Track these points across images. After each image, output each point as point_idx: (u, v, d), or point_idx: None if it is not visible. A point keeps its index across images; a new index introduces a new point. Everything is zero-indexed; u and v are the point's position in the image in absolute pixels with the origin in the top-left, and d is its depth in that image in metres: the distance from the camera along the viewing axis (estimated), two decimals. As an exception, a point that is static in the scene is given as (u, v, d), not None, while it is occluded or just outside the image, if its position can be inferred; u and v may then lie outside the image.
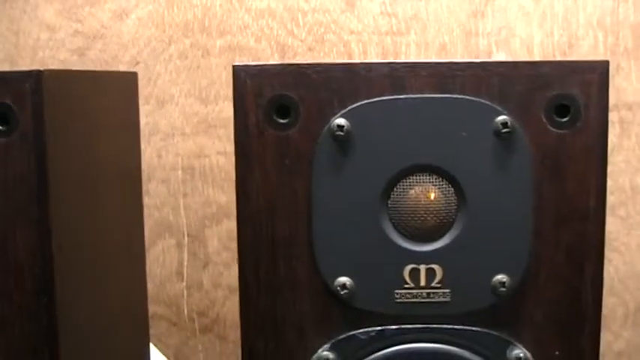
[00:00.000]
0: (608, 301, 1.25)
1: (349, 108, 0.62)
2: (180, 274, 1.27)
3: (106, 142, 0.81)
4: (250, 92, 0.63)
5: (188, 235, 1.27)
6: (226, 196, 1.24)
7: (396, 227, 0.64)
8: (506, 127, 0.62)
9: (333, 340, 0.65)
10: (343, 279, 0.64)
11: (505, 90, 0.62)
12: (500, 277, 0.63)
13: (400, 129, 0.62)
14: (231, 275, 1.26)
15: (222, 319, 1.29)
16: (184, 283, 1.28)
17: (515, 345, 0.65)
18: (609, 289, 1.24)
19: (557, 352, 0.65)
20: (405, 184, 0.63)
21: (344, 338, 0.65)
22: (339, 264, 0.64)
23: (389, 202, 0.63)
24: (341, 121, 0.62)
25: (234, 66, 0.63)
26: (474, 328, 0.64)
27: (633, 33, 1.18)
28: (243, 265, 0.65)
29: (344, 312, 0.65)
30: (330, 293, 0.64)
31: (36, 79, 0.64)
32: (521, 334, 0.65)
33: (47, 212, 0.66)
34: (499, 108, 0.62)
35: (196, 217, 1.26)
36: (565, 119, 0.63)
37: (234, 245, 1.18)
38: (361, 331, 0.65)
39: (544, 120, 0.63)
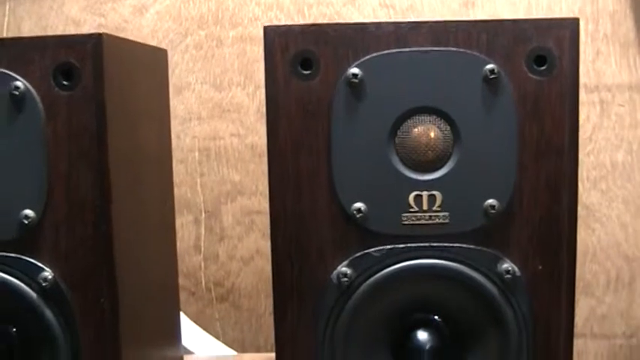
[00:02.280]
0: (591, 269, 1.33)
1: (362, 60, 0.72)
2: (197, 247, 1.35)
3: (145, 103, 0.90)
4: (278, 49, 0.73)
5: (205, 211, 1.34)
6: (240, 175, 1.33)
7: (401, 160, 0.73)
8: (494, 74, 0.72)
9: (350, 258, 0.74)
10: (358, 204, 0.73)
11: (492, 43, 0.72)
12: (491, 201, 0.72)
13: (404, 77, 0.72)
14: (245, 248, 1.34)
15: (237, 289, 1.36)
16: (202, 256, 1.35)
17: (504, 260, 0.73)
18: (592, 257, 1.32)
19: (540, 267, 0.74)
20: (409, 123, 0.73)
21: (359, 256, 0.73)
22: (354, 192, 0.73)
23: (396, 138, 0.73)
24: (355, 70, 0.72)
25: (264, 27, 0.73)
26: (468, 246, 0.72)
27: (612, 20, 1.27)
28: (272, 197, 0.74)
29: (359, 234, 0.73)
30: (347, 217, 0.73)
31: (96, 41, 0.74)
32: (509, 251, 0.73)
33: (105, 155, 0.75)
34: (487, 58, 0.72)
35: (212, 194, 1.34)
36: (542, 68, 0.72)
37: (247, 220, 1.28)
38: (374, 249, 0.73)
39: (525, 68, 0.72)
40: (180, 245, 1.29)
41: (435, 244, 0.72)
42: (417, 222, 0.73)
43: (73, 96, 0.74)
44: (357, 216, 0.72)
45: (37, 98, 0.73)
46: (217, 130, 1.34)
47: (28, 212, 0.75)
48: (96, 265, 0.76)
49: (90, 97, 0.74)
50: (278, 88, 0.72)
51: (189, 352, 1.19)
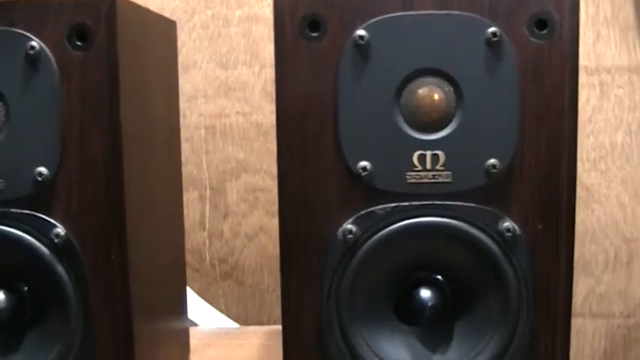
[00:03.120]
0: (590, 249, 1.35)
1: (368, 22, 0.74)
2: (202, 224, 1.38)
3: (156, 72, 0.93)
4: (287, 11, 0.75)
5: (210, 188, 1.37)
6: (244, 153, 1.35)
7: (406, 120, 0.75)
8: (496, 37, 0.74)
9: (355, 216, 0.76)
10: (364, 163, 0.75)
11: (494, 7, 0.73)
12: (492, 161, 0.74)
13: (409, 39, 0.74)
14: (249, 224, 1.37)
15: (241, 266, 1.39)
16: (206, 233, 1.38)
17: (505, 219, 0.75)
18: (591, 237, 1.35)
19: (539, 226, 0.76)
20: (413, 85, 0.75)
21: (364, 214, 0.75)
22: (360, 151, 0.75)
23: (401, 99, 0.75)
24: (362, 32, 0.74)
25: (274, -10, 0.75)
26: (470, 204, 0.73)
27: (612, 3, 1.29)
28: (280, 155, 0.76)
29: (364, 192, 0.75)
30: (353, 176, 0.75)
31: (110, 4, 0.75)
32: (509, 210, 0.75)
33: (117, 115, 0.77)
34: (489, 22, 0.74)
35: (217, 172, 1.37)
36: (543, 32, 0.74)
37: (251, 197, 1.31)
38: (378, 207, 0.75)
39: (526, 32, 0.74)
40: (185, 222, 1.32)
41: (438, 203, 0.73)
42: (421, 181, 0.75)
43: (87, 57, 0.75)
44: (363, 174, 0.74)
45: (52, 58, 0.75)
46: (223, 108, 1.37)
47: (42, 170, 0.77)
48: (107, 223, 0.78)
49: (103, 58, 0.75)
50: (287, 51, 0.74)
51: (194, 324, 1.21)
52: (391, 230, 0.75)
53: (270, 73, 1.33)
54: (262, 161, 1.34)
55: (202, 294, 1.37)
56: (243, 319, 1.38)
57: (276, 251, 1.29)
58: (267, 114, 1.34)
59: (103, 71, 0.76)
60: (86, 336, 0.79)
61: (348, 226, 0.76)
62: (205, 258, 1.38)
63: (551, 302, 0.77)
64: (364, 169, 0.75)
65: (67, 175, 0.77)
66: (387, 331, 0.79)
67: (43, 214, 0.78)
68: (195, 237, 1.36)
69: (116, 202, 0.78)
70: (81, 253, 0.78)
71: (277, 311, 1.34)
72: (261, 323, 1.37)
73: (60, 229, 0.77)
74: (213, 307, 1.33)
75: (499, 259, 0.75)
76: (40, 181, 0.77)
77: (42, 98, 0.76)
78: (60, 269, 0.78)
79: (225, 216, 1.38)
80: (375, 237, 0.75)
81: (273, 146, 1.24)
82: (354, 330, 0.77)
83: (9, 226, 0.78)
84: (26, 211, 0.78)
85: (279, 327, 1.13)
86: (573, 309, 0.79)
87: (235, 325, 1.31)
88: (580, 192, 1.29)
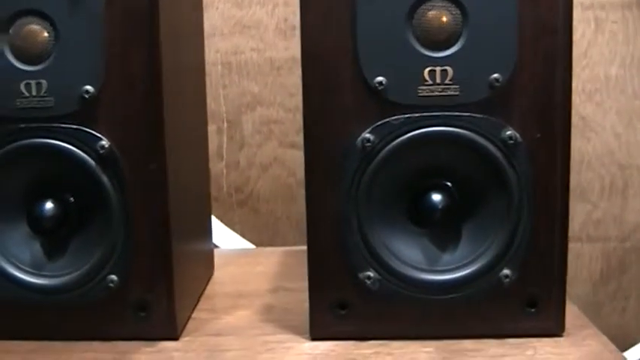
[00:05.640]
0: (587, 176, 1.41)
1: None
2: (220, 155, 1.44)
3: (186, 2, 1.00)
4: None
5: (227, 121, 1.44)
6: (259, 87, 1.41)
7: (418, 39, 0.82)
8: (497, -38, 0.81)
9: (372, 126, 0.83)
10: (380, 78, 0.82)
11: None
12: (495, 75, 0.81)
13: None
14: (264, 155, 1.43)
15: (256, 194, 1.45)
16: (224, 163, 1.45)
17: (507, 128, 0.83)
18: (587, 165, 1.40)
19: (538, 135, 0.83)
20: (424, 7, 0.82)
21: (380, 124, 0.82)
22: (376, 67, 0.82)
23: (413, 20, 0.82)
24: (378, -42, 0.81)
25: None
26: (476, 115, 0.80)
27: None
28: (304, 71, 0.83)
29: (380, 104, 0.82)
30: (370, 90, 0.82)
31: None
32: (511, 120, 0.82)
33: (157, 36, 0.84)
34: None
35: (233, 105, 1.43)
36: None
37: (266, 129, 1.38)
38: (393, 118, 0.82)
39: None
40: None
41: (446, 114, 0.81)
42: (431, 94, 0.81)
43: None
44: (379, 88, 0.82)
45: (97, -16, 0.82)
46: (238, 45, 1.42)
47: (88, 88, 0.84)
48: (147, 135, 0.85)
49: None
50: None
51: (215, 246, 1.29)
52: (405, 139, 0.83)
53: (282, 11, 1.40)
54: (276, 95, 1.40)
55: (220, 221, 1.43)
56: (257, 244, 1.45)
57: (289, 180, 1.38)
58: (280, 50, 1.41)
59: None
60: (127, 240, 0.87)
61: (366, 135, 0.83)
62: (223, 187, 1.45)
63: (549, 203, 0.84)
64: (380, 83, 0.82)
65: (111, 92, 0.85)
66: (401, 232, 0.86)
67: (89, 128, 0.85)
68: (213, 167, 1.41)
69: (155, 117, 0.85)
70: (122, 162, 0.86)
71: (290, 237, 1.42)
72: (275, 249, 1.44)
73: (104, 142, 0.85)
74: (231, 230, 1.40)
75: (502, 164, 0.83)
76: (86, 99, 0.84)
77: (88, 22, 0.83)
78: (104, 179, 0.86)
79: (241, 147, 1.44)
80: (391, 145, 0.83)
81: (286, 81, 1.32)
82: (372, 231, 0.85)
83: (58, 140, 0.86)
84: (74, 126, 0.85)
85: (294, 248, 1.22)
86: (571, 234, 0.87)
87: (252, 246, 1.39)
88: (576, 122, 1.35)
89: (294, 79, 1.40)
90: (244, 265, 1.21)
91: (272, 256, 1.24)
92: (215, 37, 1.39)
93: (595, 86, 1.39)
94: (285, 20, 1.39)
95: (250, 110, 1.44)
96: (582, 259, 1.42)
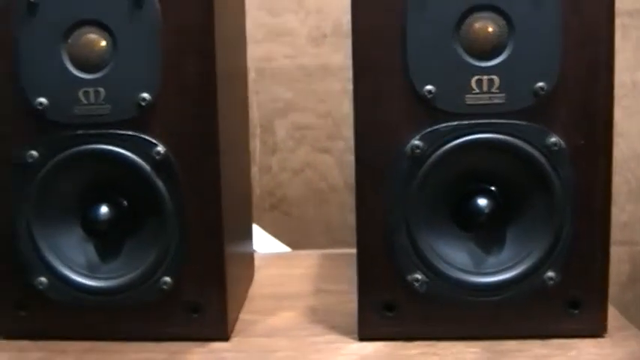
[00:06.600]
0: (614, 180, 1.40)
1: None
2: (253, 159, 1.46)
3: (232, 12, 1.03)
4: None
5: (260, 126, 1.46)
6: (291, 93, 1.44)
7: (465, 49, 0.84)
8: (543, -24, 0.83)
9: (421, 133, 0.86)
10: (429, 87, 0.84)
11: None
12: (540, 84, 0.83)
13: None
14: (295, 160, 1.46)
15: (288, 198, 1.48)
16: (257, 167, 1.47)
17: (551, 135, 0.85)
18: (614, 169, 1.42)
19: (582, 142, 0.86)
20: (471, 18, 0.85)
21: (429, 131, 0.84)
22: (425, 76, 0.85)
23: (460, 31, 0.85)
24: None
25: None
26: (521, 122, 0.82)
27: None
28: (356, 80, 0.86)
29: (429, 112, 0.85)
30: (419, 98, 0.85)
31: None
32: (554, 127, 0.84)
33: (213, 47, 0.87)
34: None
35: (266, 111, 1.46)
36: None
37: (298, 134, 1.40)
38: (442, 125, 0.84)
39: None
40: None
41: (493, 121, 0.83)
42: (478, 102, 0.83)
43: (186, -5, 0.84)
44: (428, 96, 0.84)
45: (154, -4, 0.85)
46: (271, 52, 1.45)
47: (145, 95, 0.87)
48: (201, 142, 0.88)
49: (199, -4, 0.84)
50: (360, -13, 0.83)
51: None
52: (453, 145, 0.85)
53: (314, 19, 1.42)
54: (308, 101, 1.43)
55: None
56: (289, 247, 1.47)
57: (321, 185, 1.41)
58: (311, 57, 1.43)
59: (200, 7, 0.86)
60: (181, 243, 0.90)
61: (416, 142, 0.86)
62: (256, 191, 1.47)
63: (591, 207, 0.87)
64: (429, 92, 0.84)
65: (167, 100, 0.87)
66: (448, 236, 0.89)
67: (145, 134, 0.88)
68: (246, 172, 1.43)
69: (209, 124, 0.88)
70: (177, 168, 0.88)
71: (321, 240, 1.44)
72: (306, 252, 1.47)
73: (160, 148, 0.87)
74: (267, 233, 1.42)
75: (547, 170, 0.85)
76: (142, 106, 0.87)
77: (146, 32, 0.86)
78: (159, 183, 0.88)
79: (274, 152, 1.47)
80: (439, 151, 0.85)
81: (317, 87, 1.35)
82: (420, 234, 0.87)
83: (115, 146, 0.88)
84: (130, 132, 0.88)
85: (330, 251, 1.25)
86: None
87: (288, 249, 1.41)
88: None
89: (325, 85, 1.43)
90: (283, 267, 1.23)
91: (308, 259, 1.26)
92: (249, 44, 1.40)
93: (622, 92, 1.41)
94: (317, 28, 1.42)
95: (283, 116, 1.46)
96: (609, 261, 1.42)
